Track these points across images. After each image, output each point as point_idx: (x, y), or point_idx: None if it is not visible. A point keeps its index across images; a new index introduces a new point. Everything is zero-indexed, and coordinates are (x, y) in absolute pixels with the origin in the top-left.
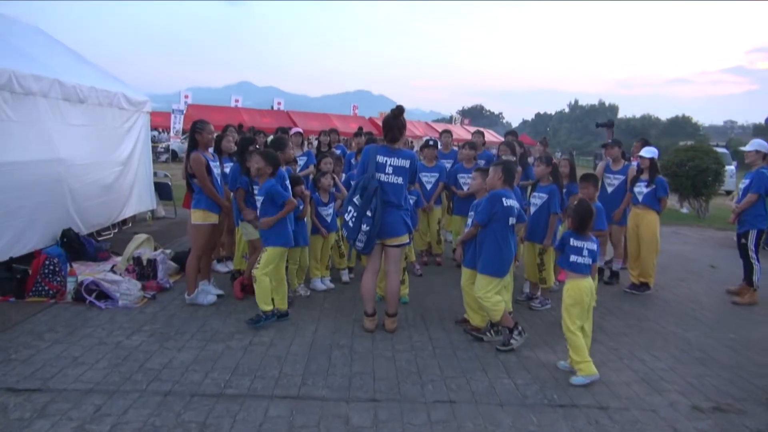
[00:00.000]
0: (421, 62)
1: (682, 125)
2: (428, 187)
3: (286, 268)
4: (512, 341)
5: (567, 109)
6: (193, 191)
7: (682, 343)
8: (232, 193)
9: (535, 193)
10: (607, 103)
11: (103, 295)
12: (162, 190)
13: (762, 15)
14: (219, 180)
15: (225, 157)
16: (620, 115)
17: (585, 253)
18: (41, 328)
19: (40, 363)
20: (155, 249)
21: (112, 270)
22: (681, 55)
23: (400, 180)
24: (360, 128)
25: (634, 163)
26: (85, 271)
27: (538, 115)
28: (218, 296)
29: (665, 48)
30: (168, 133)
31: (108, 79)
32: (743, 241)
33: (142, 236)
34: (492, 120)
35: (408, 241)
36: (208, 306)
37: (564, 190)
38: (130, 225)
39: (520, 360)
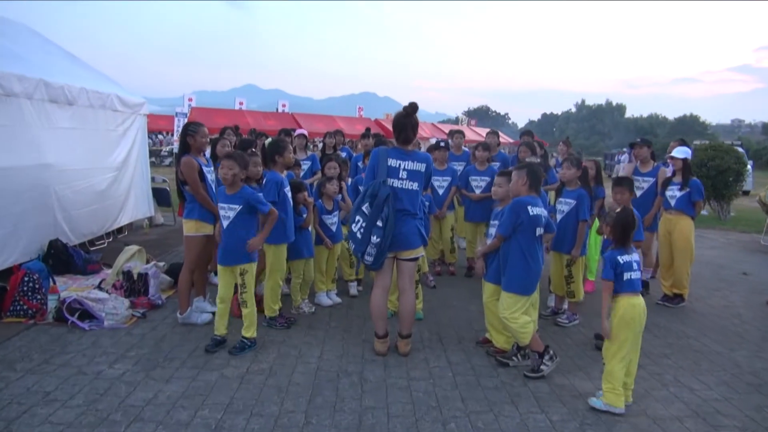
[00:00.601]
0: (426, 63)
1: (690, 124)
2: (440, 192)
3: (289, 280)
4: (542, 367)
5: (574, 109)
6: (186, 200)
7: (730, 366)
8: None
9: (561, 199)
10: (614, 103)
11: (88, 315)
12: (160, 196)
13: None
14: (213, 187)
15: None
16: (627, 114)
17: (635, 266)
18: (14, 355)
19: (6, 399)
20: (147, 261)
21: (100, 286)
22: (687, 54)
23: (415, 185)
24: (367, 129)
25: (670, 167)
26: (72, 286)
27: (544, 115)
28: (214, 314)
29: (671, 47)
30: (172, 135)
31: (101, 79)
32: None
33: (133, 248)
34: (498, 121)
35: (423, 253)
36: (203, 326)
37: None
38: (126, 233)
39: (552, 389)
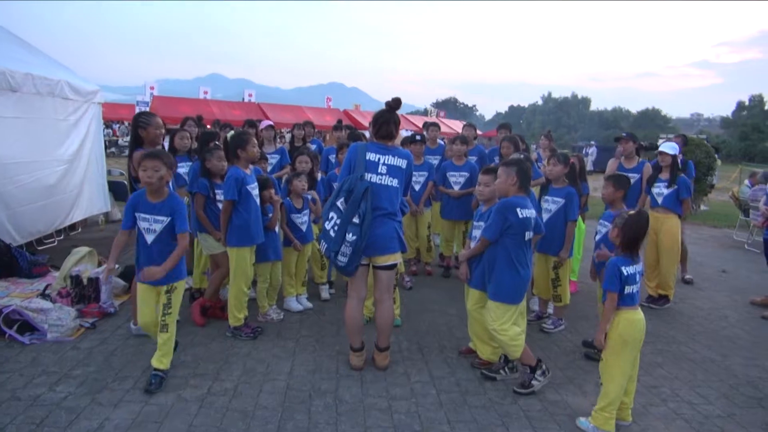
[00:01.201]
0: (394, 55)
1: (652, 117)
2: (416, 188)
3: (254, 282)
4: (534, 382)
5: (540, 102)
6: None
7: (726, 375)
8: (186, 197)
9: (547, 197)
10: (579, 96)
11: (28, 327)
12: (117, 190)
13: (727, 10)
14: (171, 184)
15: (182, 155)
16: (592, 107)
17: (637, 278)
18: None
19: None
20: (99, 264)
21: (45, 292)
22: (649, 49)
23: (394, 182)
24: (339, 121)
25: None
26: (15, 291)
27: (511, 107)
28: None
29: (634, 42)
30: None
31: (50, 64)
32: None
33: (83, 250)
34: (466, 112)
35: (400, 259)
36: None
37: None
38: (80, 230)
39: (545, 406)
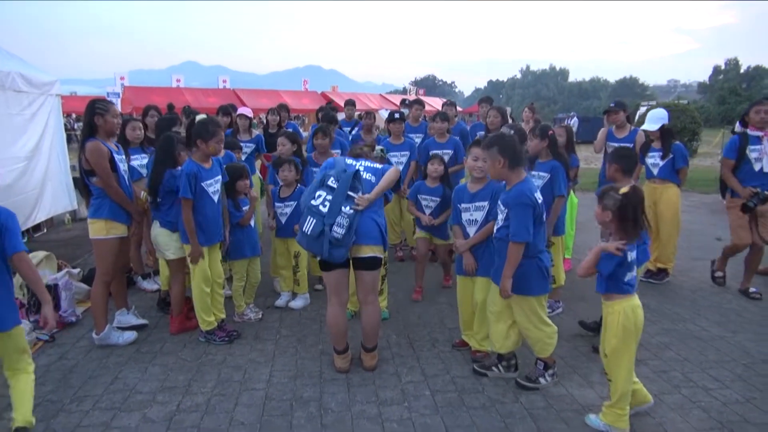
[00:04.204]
0: (371, 35)
1: (630, 86)
2: (399, 168)
3: (229, 278)
4: (541, 380)
5: (519, 75)
6: (92, 194)
7: (740, 354)
8: (143, 192)
9: (533, 173)
10: (557, 68)
11: None
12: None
13: None
14: (127, 178)
15: (135, 147)
16: (571, 78)
17: (637, 261)
18: None
19: None
20: (59, 268)
21: None
22: (625, 18)
23: (373, 179)
24: (328, 104)
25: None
26: None
27: (490, 82)
28: (142, 327)
29: (610, 11)
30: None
31: None
32: None
33: (39, 254)
34: (445, 90)
35: (384, 254)
36: (126, 346)
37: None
38: (45, 231)
39: (549, 402)
